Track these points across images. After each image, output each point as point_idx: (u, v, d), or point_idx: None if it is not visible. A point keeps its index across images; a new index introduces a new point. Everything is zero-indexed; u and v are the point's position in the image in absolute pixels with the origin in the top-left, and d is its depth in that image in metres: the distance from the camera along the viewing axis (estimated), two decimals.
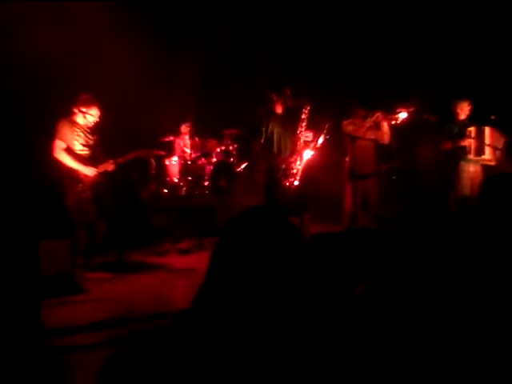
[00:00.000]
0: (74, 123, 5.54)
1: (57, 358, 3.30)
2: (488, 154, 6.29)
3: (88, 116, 5.55)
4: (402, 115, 5.79)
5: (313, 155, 5.79)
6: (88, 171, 5.53)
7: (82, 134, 5.56)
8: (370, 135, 5.99)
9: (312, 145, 5.78)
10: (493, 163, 6.28)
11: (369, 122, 5.92)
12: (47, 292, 4.23)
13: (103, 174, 5.67)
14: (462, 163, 6.36)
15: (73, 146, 5.51)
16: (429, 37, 7.57)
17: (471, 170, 6.35)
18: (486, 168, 6.31)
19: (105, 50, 6.94)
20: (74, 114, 5.54)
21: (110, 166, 5.68)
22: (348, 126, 6.02)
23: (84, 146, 5.58)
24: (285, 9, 8.08)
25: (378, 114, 5.86)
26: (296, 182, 5.75)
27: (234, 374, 1.13)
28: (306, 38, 8.08)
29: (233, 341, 1.16)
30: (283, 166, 5.81)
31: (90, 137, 5.64)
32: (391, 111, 5.87)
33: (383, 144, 6.07)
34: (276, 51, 8.02)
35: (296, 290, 1.22)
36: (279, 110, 5.88)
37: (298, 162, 5.80)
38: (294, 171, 5.78)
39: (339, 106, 6.17)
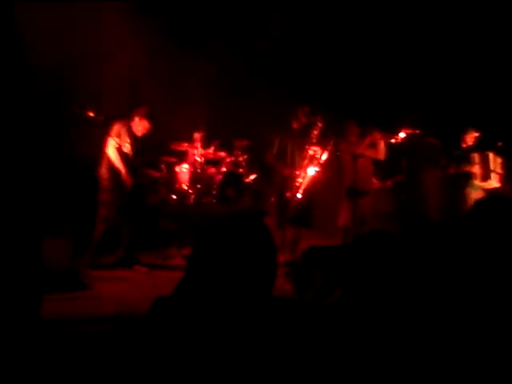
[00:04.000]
0: (129, 128, 5.95)
1: (55, 347, 3.43)
2: (493, 179, 6.37)
3: (138, 127, 6.00)
4: (402, 135, 5.94)
5: (317, 171, 5.94)
6: (126, 176, 5.90)
7: (130, 139, 5.93)
8: (369, 153, 6.14)
9: (316, 161, 5.95)
10: (498, 185, 6.35)
11: (367, 140, 6.07)
12: (50, 286, 4.36)
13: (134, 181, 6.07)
14: (468, 189, 6.42)
15: (123, 146, 5.89)
16: (435, 61, 7.68)
17: (477, 196, 6.38)
18: (489, 193, 6.35)
19: (121, 58, 7.16)
20: (132, 120, 5.98)
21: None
22: (347, 145, 6.15)
23: (129, 150, 5.95)
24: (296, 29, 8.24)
25: (376, 132, 6.02)
26: (298, 195, 5.90)
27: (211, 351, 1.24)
28: (314, 57, 8.23)
29: (209, 325, 1.28)
30: (289, 179, 5.98)
31: (135, 145, 6.01)
32: (392, 132, 6.02)
33: (379, 161, 6.23)
34: (290, 69, 8.18)
35: (264, 284, 1.34)
36: (296, 125, 6.11)
37: (302, 177, 5.96)
38: (297, 184, 5.95)
39: (340, 126, 6.30)
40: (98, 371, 1.27)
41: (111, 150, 5.83)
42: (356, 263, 1.80)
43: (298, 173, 6.01)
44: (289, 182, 6.02)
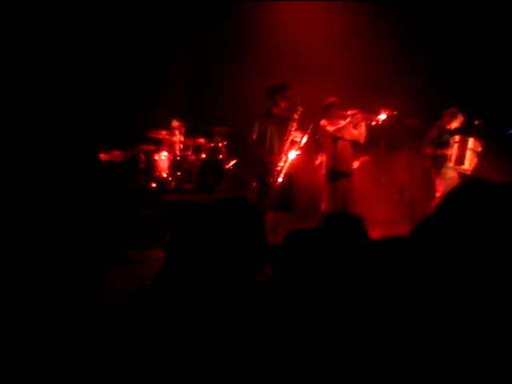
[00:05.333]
0: None
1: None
2: (467, 164, 6.44)
3: None
4: (382, 116, 5.90)
5: (298, 155, 5.92)
6: None
7: None
8: (349, 136, 6.11)
9: (297, 145, 5.92)
10: (468, 172, 6.43)
11: (347, 122, 6.02)
12: None
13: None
14: (444, 170, 6.50)
15: None
16: (414, 42, 7.72)
17: (451, 175, 6.48)
18: (462, 175, 6.45)
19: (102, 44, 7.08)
20: None
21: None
22: (328, 127, 6.11)
23: None
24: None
25: (356, 113, 5.97)
26: (280, 179, 5.88)
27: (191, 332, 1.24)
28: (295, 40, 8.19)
29: (188, 312, 1.27)
30: (270, 163, 5.97)
31: None
32: (371, 113, 5.99)
33: (359, 144, 6.22)
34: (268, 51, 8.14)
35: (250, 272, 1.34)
36: (276, 110, 6.04)
37: (283, 161, 5.93)
38: (278, 169, 5.92)
39: (321, 107, 6.24)
40: (81, 356, 1.27)
41: None
42: (321, 245, 1.79)
43: (278, 157, 5.98)
44: (270, 167, 5.98)
